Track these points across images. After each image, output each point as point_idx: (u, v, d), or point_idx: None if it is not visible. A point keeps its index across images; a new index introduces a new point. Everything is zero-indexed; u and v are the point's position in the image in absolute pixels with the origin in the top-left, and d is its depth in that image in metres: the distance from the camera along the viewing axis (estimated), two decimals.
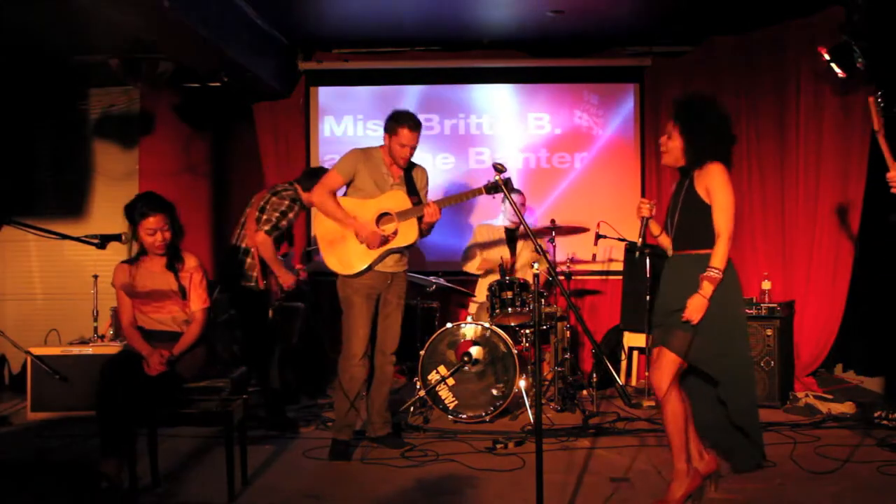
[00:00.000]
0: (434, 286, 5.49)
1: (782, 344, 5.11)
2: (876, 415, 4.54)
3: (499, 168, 3.33)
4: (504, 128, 6.65)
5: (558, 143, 6.61)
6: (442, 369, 4.80)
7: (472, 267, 5.62)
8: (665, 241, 3.51)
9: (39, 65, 5.89)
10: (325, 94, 6.74)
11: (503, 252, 5.53)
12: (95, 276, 5.46)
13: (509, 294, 5.04)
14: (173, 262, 3.72)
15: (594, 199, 6.51)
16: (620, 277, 6.08)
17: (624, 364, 5.84)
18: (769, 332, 5.10)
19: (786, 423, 4.63)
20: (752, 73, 6.02)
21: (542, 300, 5.11)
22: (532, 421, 4.54)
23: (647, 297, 5.40)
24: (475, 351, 4.82)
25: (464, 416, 4.77)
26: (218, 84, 5.99)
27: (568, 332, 5.31)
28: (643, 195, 6.45)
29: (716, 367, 3.26)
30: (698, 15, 5.76)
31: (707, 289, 3.20)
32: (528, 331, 5.06)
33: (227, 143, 6.90)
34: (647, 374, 5.44)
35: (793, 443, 4.21)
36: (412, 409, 4.88)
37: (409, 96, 6.60)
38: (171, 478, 3.77)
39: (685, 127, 3.29)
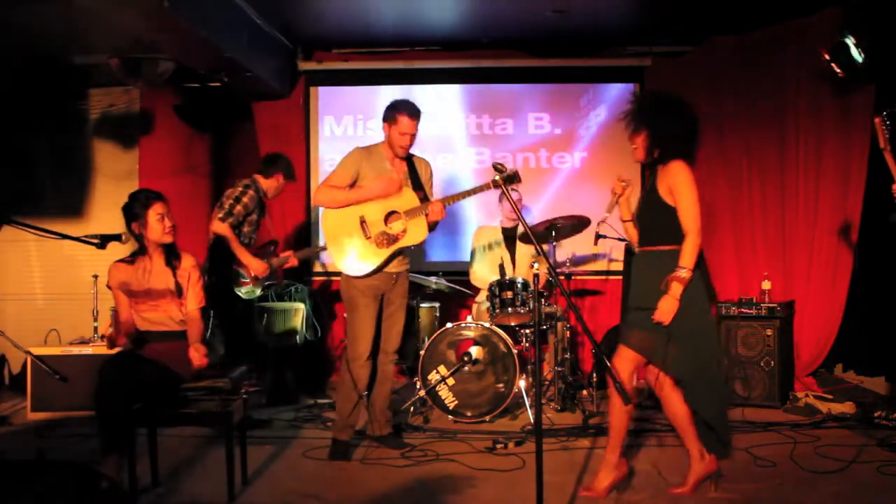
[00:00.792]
0: (434, 286, 5.49)
1: (782, 344, 5.11)
2: (876, 415, 4.54)
3: (499, 168, 3.33)
4: (504, 128, 6.65)
5: (558, 143, 6.61)
6: (442, 369, 4.80)
7: (478, 283, 5.65)
8: (632, 231, 3.57)
9: (39, 65, 5.89)
10: (325, 94, 6.74)
11: (503, 254, 5.53)
12: (95, 276, 5.46)
13: (509, 294, 5.04)
14: (171, 259, 3.72)
15: (594, 199, 6.50)
16: (620, 277, 6.08)
17: None
18: (769, 332, 5.10)
19: (786, 423, 4.64)
20: (751, 73, 6.02)
21: (542, 300, 5.11)
22: (532, 421, 4.54)
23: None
24: (475, 351, 4.82)
25: (464, 416, 4.77)
26: (218, 84, 5.99)
27: (568, 332, 5.30)
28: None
29: (684, 364, 3.30)
30: (698, 15, 5.76)
31: (676, 289, 3.24)
32: (528, 331, 5.06)
33: (227, 143, 6.90)
34: (646, 374, 5.43)
35: (793, 443, 4.21)
36: (412, 409, 4.88)
37: (409, 96, 6.55)
38: (171, 478, 3.77)
39: (648, 123, 3.34)
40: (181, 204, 4.73)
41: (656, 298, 3.30)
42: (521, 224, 3.30)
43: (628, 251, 5.91)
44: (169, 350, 3.62)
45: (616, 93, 6.58)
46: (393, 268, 4.15)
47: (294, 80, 6.65)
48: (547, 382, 5.30)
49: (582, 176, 6.58)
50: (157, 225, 3.66)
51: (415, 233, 4.08)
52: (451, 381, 4.78)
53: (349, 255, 4.06)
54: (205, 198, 6.59)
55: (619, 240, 5.63)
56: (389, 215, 4.09)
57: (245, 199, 4.69)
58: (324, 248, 5.32)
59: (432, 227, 4.16)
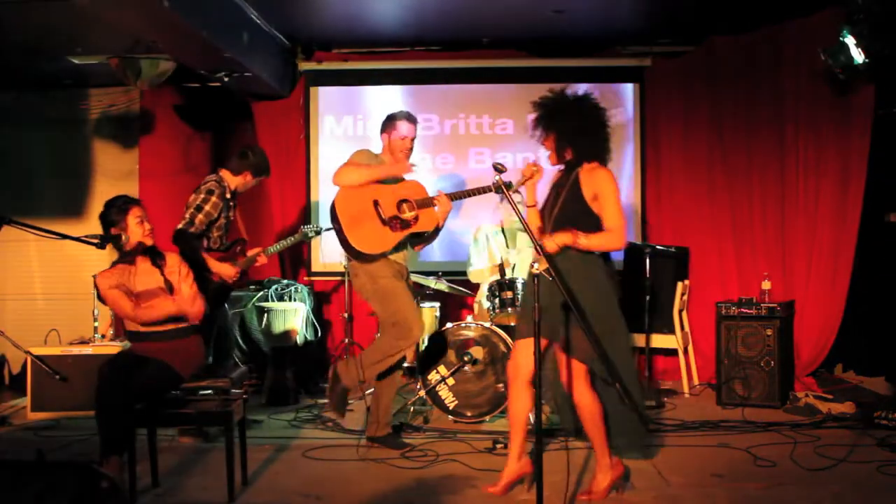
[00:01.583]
0: (434, 286, 5.50)
1: (782, 344, 5.11)
2: (876, 415, 4.54)
3: (499, 168, 3.32)
4: (504, 128, 6.64)
5: None
6: (442, 369, 4.80)
7: (475, 277, 5.65)
8: (534, 218, 3.51)
9: (40, 65, 5.89)
10: (325, 94, 6.74)
11: (503, 254, 5.53)
12: (95, 276, 5.45)
13: (509, 294, 5.04)
14: (156, 259, 3.72)
15: None
16: (620, 277, 6.08)
17: None
18: (769, 332, 5.10)
19: (786, 423, 4.64)
20: (751, 73, 6.02)
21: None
22: (532, 421, 4.54)
23: (647, 297, 5.41)
24: (475, 351, 4.82)
25: (464, 416, 4.77)
26: (218, 84, 5.99)
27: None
28: (643, 195, 6.46)
29: (598, 360, 3.31)
30: (698, 15, 5.76)
31: (561, 238, 3.25)
32: None
33: (227, 143, 6.90)
34: (646, 373, 5.44)
35: (793, 443, 4.21)
36: (412, 409, 4.88)
37: (409, 96, 6.60)
38: (171, 478, 3.77)
39: (556, 124, 3.35)
40: (181, 204, 4.71)
41: (586, 299, 3.27)
42: (522, 225, 3.27)
43: (628, 251, 5.92)
44: (169, 349, 3.62)
45: (616, 93, 6.58)
46: (403, 259, 4.19)
47: (294, 79, 6.65)
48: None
49: None
50: (137, 228, 3.65)
51: (425, 221, 4.11)
52: (451, 381, 4.78)
53: (367, 233, 4.04)
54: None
55: None
56: (401, 203, 4.10)
57: (207, 207, 4.46)
58: (310, 232, 5.26)
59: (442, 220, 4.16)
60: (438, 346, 4.84)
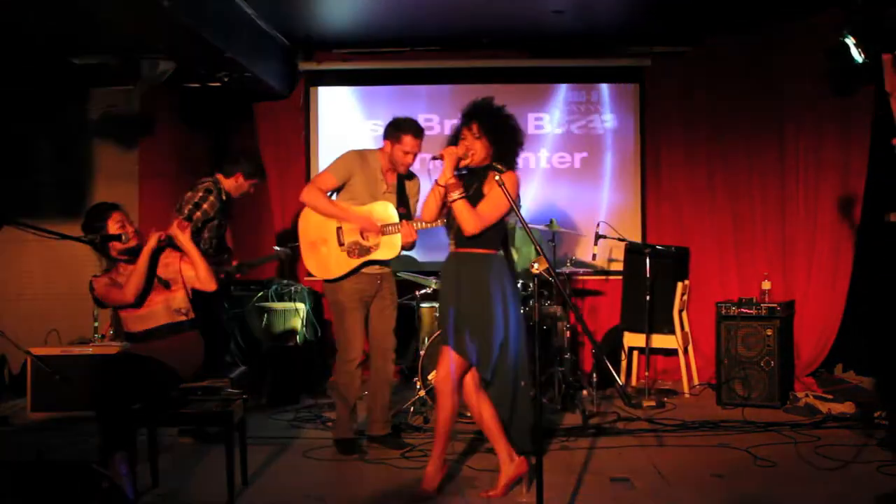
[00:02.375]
0: (434, 286, 5.49)
1: (782, 344, 5.11)
2: (876, 415, 4.55)
3: (499, 168, 3.32)
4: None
5: (558, 143, 6.61)
6: None
7: None
8: (431, 213, 3.50)
9: (39, 65, 5.89)
10: (325, 94, 6.74)
11: None
12: (95, 276, 5.44)
13: None
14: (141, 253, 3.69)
15: (594, 199, 6.52)
16: (620, 277, 6.08)
17: (624, 364, 5.84)
18: (769, 332, 5.10)
19: (786, 423, 4.64)
20: (751, 73, 6.03)
21: (542, 300, 5.11)
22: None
23: (647, 297, 5.41)
24: None
25: (464, 415, 4.75)
26: (218, 84, 5.99)
27: (568, 332, 5.30)
28: (643, 195, 6.46)
29: (498, 361, 3.37)
30: (698, 15, 5.76)
31: (446, 168, 3.29)
32: None
33: (227, 144, 6.89)
34: (646, 374, 5.44)
35: (793, 443, 4.21)
36: (412, 409, 4.88)
37: (409, 96, 6.60)
38: (171, 478, 3.76)
39: (489, 129, 3.36)
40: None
41: (470, 302, 3.33)
42: (522, 225, 3.27)
43: (628, 251, 5.92)
44: (168, 347, 3.61)
45: (616, 93, 6.58)
46: (376, 270, 4.17)
47: (294, 80, 6.65)
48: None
49: (582, 176, 6.58)
50: (121, 233, 3.62)
51: (386, 250, 4.09)
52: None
53: (320, 258, 4.09)
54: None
55: (620, 239, 5.64)
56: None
57: (205, 206, 4.50)
58: (282, 253, 5.29)
59: (406, 247, 4.12)
60: (439, 347, 4.83)
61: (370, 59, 6.66)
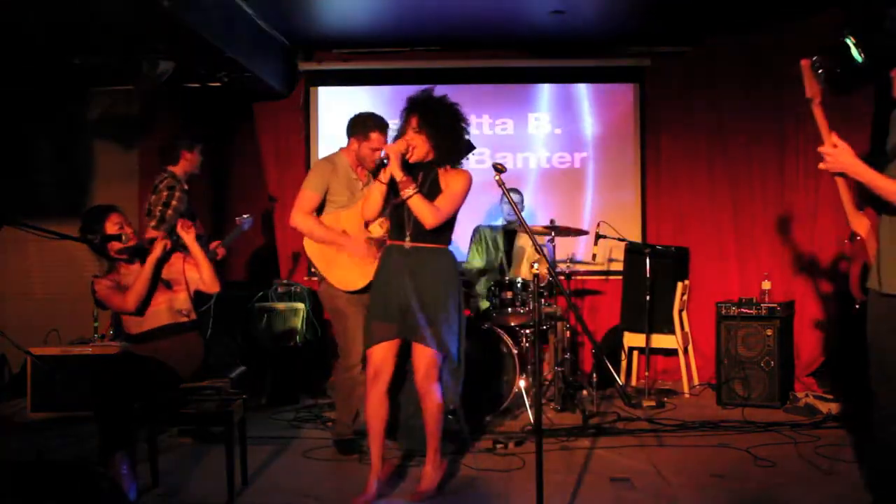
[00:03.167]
0: None
1: (782, 344, 5.11)
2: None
3: (499, 168, 3.32)
4: (504, 128, 6.65)
5: (558, 143, 6.61)
6: None
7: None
8: (374, 210, 3.41)
9: (39, 65, 5.88)
10: (325, 94, 6.74)
11: (500, 254, 5.55)
12: (95, 276, 5.44)
13: (509, 294, 5.04)
14: (143, 255, 3.69)
15: (594, 199, 6.52)
16: (620, 277, 6.08)
17: (624, 364, 5.84)
18: (769, 332, 5.10)
19: (786, 423, 4.64)
20: (751, 72, 6.03)
21: (542, 300, 5.11)
22: (532, 421, 4.54)
23: (647, 297, 5.41)
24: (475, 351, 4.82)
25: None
26: (218, 84, 5.98)
27: (568, 332, 5.30)
28: (643, 195, 6.46)
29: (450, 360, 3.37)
30: (698, 15, 5.76)
31: (391, 168, 3.24)
32: (528, 331, 5.06)
33: (227, 143, 6.89)
34: (646, 374, 5.44)
35: (793, 443, 4.21)
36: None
37: (409, 96, 6.58)
38: (171, 478, 3.77)
39: (428, 123, 3.32)
40: None
41: (435, 296, 3.31)
42: (521, 224, 3.26)
43: (628, 251, 5.92)
44: (169, 347, 3.61)
45: (616, 93, 6.58)
46: None
47: (294, 80, 6.65)
48: (547, 382, 5.30)
49: (582, 176, 6.58)
50: (120, 233, 3.62)
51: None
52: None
53: (341, 269, 4.01)
54: (204, 198, 6.59)
55: (620, 240, 5.64)
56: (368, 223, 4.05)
57: (174, 203, 4.58)
58: (246, 223, 5.26)
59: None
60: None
61: (370, 59, 6.66)
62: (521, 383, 4.75)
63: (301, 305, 5.75)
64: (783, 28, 5.76)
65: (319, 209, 4.09)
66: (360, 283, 3.99)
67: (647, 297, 5.40)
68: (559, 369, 5.12)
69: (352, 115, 4.25)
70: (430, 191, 3.35)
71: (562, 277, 5.54)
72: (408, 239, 3.36)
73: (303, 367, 5.71)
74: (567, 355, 5.30)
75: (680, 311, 5.74)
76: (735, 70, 6.09)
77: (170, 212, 4.56)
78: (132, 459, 3.42)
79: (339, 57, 6.69)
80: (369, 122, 4.13)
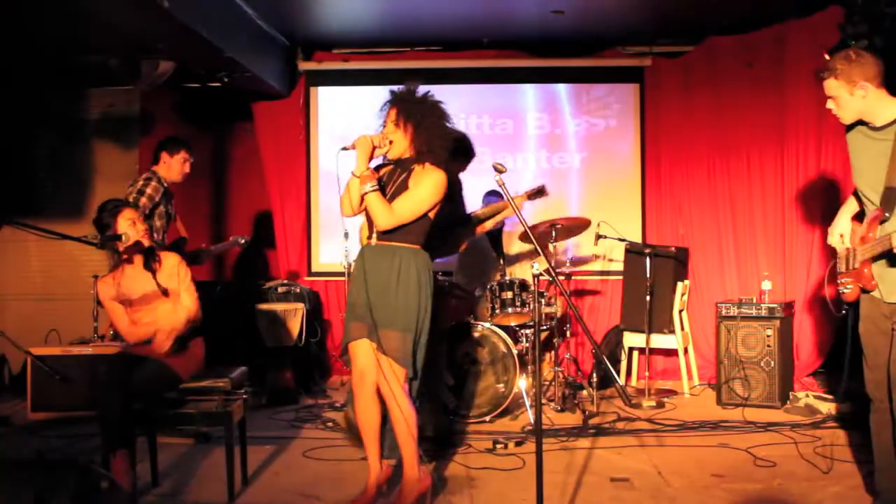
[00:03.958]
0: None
1: (782, 344, 5.11)
2: None
3: (499, 168, 3.31)
4: (504, 128, 6.65)
5: (558, 143, 6.61)
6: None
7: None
8: (350, 206, 3.32)
9: (39, 65, 5.88)
10: (325, 94, 6.74)
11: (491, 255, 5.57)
12: (95, 277, 5.44)
13: (509, 294, 5.04)
14: (149, 262, 3.66)
15: (594, 200, 6.52)
16: (620, 277, 6.08)
17: (624, 364, 5.84)
18: (769, 332, 5.10)
19: (786, 423, 4.64)
20: (752, 72, 6.03)
21: (542, 300, 5.11)
22: (532, 421, 4.54)
23: (647, 298, 5.41)
24: (475, 351, 4.82)
25: (464, 415, 4.76)
26: (218, 84, 5.99)
27: (568, 333, 5.30)
28: (643, 195, 6.46)
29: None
30: (698, 15, 5.76)
31: (358, 158, 3.17)
32: (528, 331, 5.06)
33: (227, 143, 6.90)
34: (646, 374, 5.44)
35: (793, 443, 4.21)
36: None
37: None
38: (171, 478, 3.77)
39: (408, 117, 3.24)
40: (181, 204, 4.70)
41: (377, 296, 3.19)
42: (521, 224, 3.24)
43: (628, 251, 5.92)
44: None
45: (616, 93, 6.58)
46: None
47: (294, 80, 6.65)
48: (547, 382, 5.30)
49: (582, 176, 6.58)
50: (130, 230, 3.59)
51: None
52: (450, 381, 4.78)
53: None
54: (205, 198, 6.60)
55: (620, 240, 5.64)
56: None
57: (149, 191, 4.52)
58: (240, 240, 5.30)
59: None
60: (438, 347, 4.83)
61: (370, 59, 6.67)
62: (521, 383, 4.75)
63: (301, 305, 5.75)
64: (783, 27, 5.76)
65: None
66: None
67: (647, 298, 5.40)
68: (559, 369, 5.13)
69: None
70: (398, 189, 3.25)
71: (562, 278, 5.54)
72: (374, 237, 3.27)
73: (303, 367, 5.71)
74: (567, 355, 5.30)
75: (680, 311, 5.74)
76: (735, 70, 6.09)
77: (143, 199, 4.48)
78: (132, 459, 3.42)
79: (339, 57, 6.70)
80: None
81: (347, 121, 6.70)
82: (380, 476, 3.37)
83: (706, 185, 6.25)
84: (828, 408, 4.82)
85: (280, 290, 5.98)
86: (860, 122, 3.01)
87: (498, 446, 4.20)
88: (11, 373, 6.00)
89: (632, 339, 5.79)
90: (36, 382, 5.01)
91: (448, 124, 3.33)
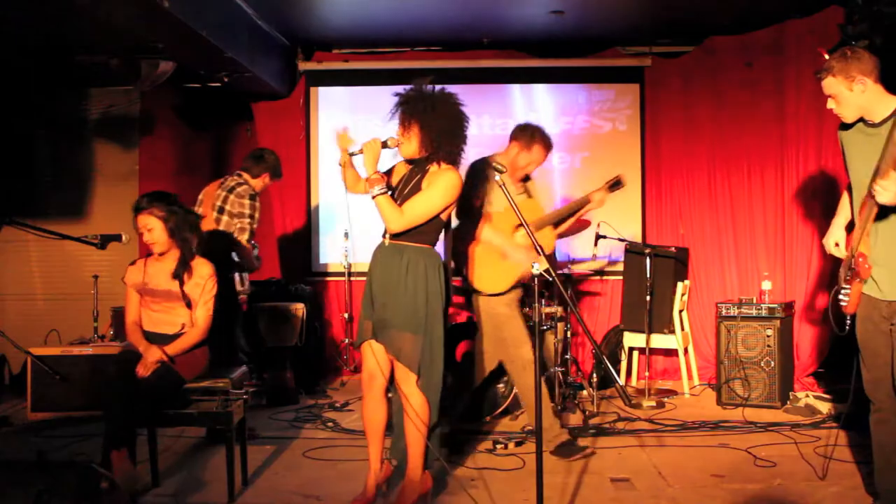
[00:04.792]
0: None
1: (782, 344, 5.11)
2: None
3: (499, 168, 3.31)
4: (504, 128, 6.64)
5: (558, 143, 6.55)
6: None
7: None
8: (351, 172, 3.37)
9: (39, 65, 5.89)
10: (325, 94, 6.74)
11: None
12: (95, 277, 5.45)
13: None
14: (181, 271, 3.64)
15: None
16: (620, 277, 6.08)
17: (624, 364, 5.84)
18: (769, 332, 5.10)
19: (786, 423, 4.64)
20: (752, 73, 6.03)
21: (542, 300, 5.11)
22: (532, 421, 4.54)
23: (647, 298, 5.41)
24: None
25: (464, 415, 4.76)
26: (218, 84, 5.99)
27: (568, 333, 5.30)
28: (644, 196, 6.46)
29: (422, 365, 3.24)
30: (698, 15, 5.76)
31: (366, 161, 3.19)
32: None
33: (227, 144, 6.90)
34: (646, 374, 5.44)
35: (793, 443, 4.21)
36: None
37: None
38: (172, 478, 3.77)
39: (418, 117, 3.23)
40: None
41: (397, 296, 3.20)
42: (521, 223, 3.23)
43: (628, 251, 5.92)
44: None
45: (616, 93, 6.58)
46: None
47: (294, 80, 6.65)
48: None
49: (582, 176, 6.58)
50: (144, 233, 3.61)
51: (544, 244, 3.95)
52: (450, 381, 4.77)
53: (486, 273, 4.00)
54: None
55: (620, 240, 5.64)
56: (517, 227, 4.06)
57: (258, 215, 4.63)
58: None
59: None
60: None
61: (370, 59, 6.67)
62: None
63: (301, 305, 5.75)
64: (783, 27, 5.76)
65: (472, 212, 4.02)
66: (500, 288, 4.00)
67: (647, 298, 5.40)
68: (559, 369, 5.12)
69: (520, 123, 4.26)
70: (412, 190, 3.26)
71: (562, 278, 5.54)
72: (387, 236, 3.29)
73: (303, 367, 5.71)
74: (567, 355, 5.30)
75: (680, 312, 5.74)
76: (735, 70, 6.09)
77: (255, 225, 4.61)
78: (132, 459, 3.42)
79: (339, 57, 6.70)
80: (536, 134, 4.13)
81: (347, 121, 6.69)
82: (379, 476, 3.38)
83: (706, 185, 6.25)
84: (828, 408, 4.82)
85: (280, 289, 5.97)
86: (859, 120, 3.01)
87: (498, 446, 4.20)
88: (11, 373, 6.00)
89: (632, 339, 5.79)
90: (36, 382, 5.01)
91: (456, 118, 3.32)
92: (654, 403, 5.18)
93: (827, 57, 3.05)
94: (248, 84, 6.03)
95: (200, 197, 4.81)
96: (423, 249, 3.26)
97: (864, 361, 3.06)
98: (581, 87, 6.61)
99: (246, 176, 4.75)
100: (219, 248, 4.58)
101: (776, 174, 5.99)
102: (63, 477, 2.93)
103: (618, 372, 5.61)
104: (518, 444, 4.24)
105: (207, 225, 4.58)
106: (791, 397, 5.07)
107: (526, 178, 4.27)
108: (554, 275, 3.17)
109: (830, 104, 3.04)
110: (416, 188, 3.25)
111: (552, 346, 5.22)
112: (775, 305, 5.15)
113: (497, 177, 3.19)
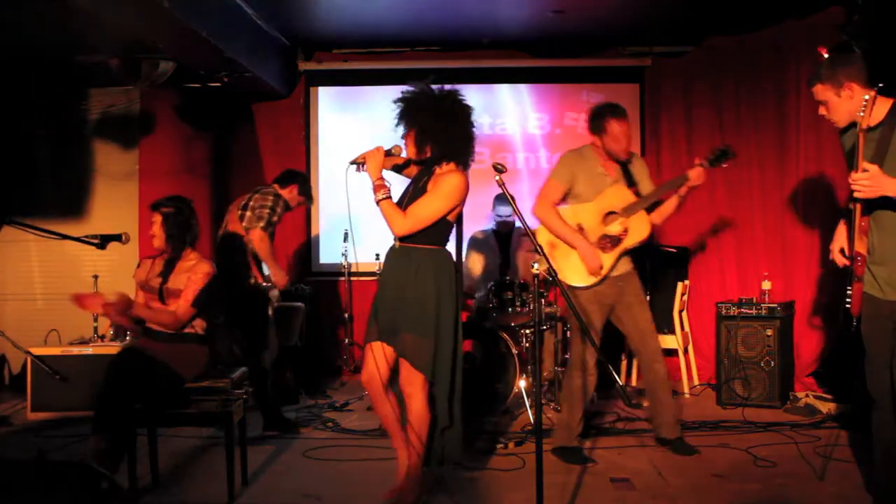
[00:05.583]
0: None
1: (782, 344, 5.11)
2: None
3: (499, 168, 3.31)
4: (504, 128, 6.65)
5: (558, 143, 6.61)
6: None
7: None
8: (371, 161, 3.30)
9: (39, 65, 5.89)
10: (325, 94, 6.74)
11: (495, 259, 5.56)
12: (95, 277, 5.46)
13: (509, 294, 5.04)
14: (173, 262, 3.72)
15: None
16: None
17: (624, 364, 5.84)
18: (769, 332, 5.10)
19: (786, 423, 4.64)
20: (751, 73, 6.03)
21: (542, 300, 5.11)
22: (532, 421, 4.54)
23: (648, 298, 5.40)
24: (475, 351, 4.82)
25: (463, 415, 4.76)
26: (218, 84, 5.99)
27: (568, 333, 5.30)
28: None
29: (437, 365, 3.24)
30: (698, 15, 5.76)
31: (369, 169, 3.20)
32: (528, 331, 5.06)
33: (227, 143, 6.90)
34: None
35: (793, 443, 4.21)
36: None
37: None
38: (171, 478, 3.77)
39: (417, 120, 3.23)
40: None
41: (408, 297, 3.20)
42: (520, 224, 3.23)
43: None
44: (170, 351, 3.61)
45: (616, 93, 6.57)
46: (617, 271, 3.98)
47: (294, 80, 6.65)
48: (547, 383, 5.30)
49: None
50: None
51: (638, 229, 3.94)
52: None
53: (575, 265, 3.94)
54: (205, 199, 6.58)
55: None
56: (607, 216, 3.98)
57: (279, 210, 4.67)
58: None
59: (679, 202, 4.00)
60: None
61: (370, 59, 6.67)
62: (521, 383, 4.75)
63: (301, 305, 5.75)
64: (784, 27, 5.76)
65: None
66: (592, 279, 3.93)
67: (647, 298, 5.40)
68: (559, 369, 5.12)
69: (591, 109, 4.09)
70: (418, 193, 3.28)
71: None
72: (397, 240, 3.30)
73: (303, 367, 5.71)
74: (567, 355, 5.29)
75: (680, 312, 5.74)
76: (735, 70, 6.09)
77: (275, 218, 4.64)
78: (132, 459, 3.42)
79: (339, 57, 6.70)
80: (602, 113, 3.96)
81: (347, 121, 6.71)
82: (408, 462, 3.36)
83: (706, 184, 6.18)
84: (828, 408, 4.82)
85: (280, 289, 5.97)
86: (854, 124, 3.02)
87: (498, 446, 4.20)
88: (11, 373, 6.00)
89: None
90: (36, 382, 5.02)
91: (458, 117, 3.26)
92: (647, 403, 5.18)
93: (826, 56, 3.06)
94: (248, 84, 6.03)
95: (230, 207, 4.83)
96: (432, 251, 3.28)
97: (868, 360, 3.07)
98: (581, 86, 6.60)
99: (275, 186, 4.83)
100: (234, 245, 4.62)
101: (776, 174, 5.99)
102: (63, 477, 2.93)
103: (618, 372, 5.60)
104: (518, 444, 4.25)
105: (233, 226, 4.66)
106: (791, 397, 5.07)
107: (628, 161, 4.06)
108: (554, 275, 3.17)
109: (822, 111, 3.06)
110: (422, 190, 3.27)
111: (552, 345, 5.23)
112: (775, 305, 5.15)
113: (496, 177, 3.18)
